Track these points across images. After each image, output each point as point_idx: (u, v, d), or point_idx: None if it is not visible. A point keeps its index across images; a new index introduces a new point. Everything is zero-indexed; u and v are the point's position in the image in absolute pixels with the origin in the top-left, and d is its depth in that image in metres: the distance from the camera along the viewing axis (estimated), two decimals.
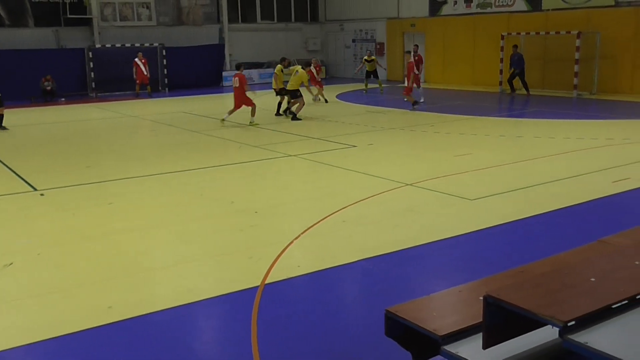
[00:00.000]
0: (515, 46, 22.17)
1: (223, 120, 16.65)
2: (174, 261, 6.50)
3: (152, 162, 11.91)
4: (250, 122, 16.31)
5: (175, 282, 5.94)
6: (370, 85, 24.55)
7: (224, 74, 30.18)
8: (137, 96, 25.21)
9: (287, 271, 6.07)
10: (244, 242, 7.06)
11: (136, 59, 25.30)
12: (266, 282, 5.80)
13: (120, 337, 4.85)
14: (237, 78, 16.63)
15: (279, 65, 18.88)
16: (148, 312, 5.25)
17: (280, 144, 13.47)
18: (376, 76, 23.82)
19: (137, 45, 27.19)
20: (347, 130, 15.21)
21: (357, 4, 31.81)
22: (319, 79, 22.02)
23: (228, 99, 25.71)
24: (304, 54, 33.50)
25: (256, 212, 8.17)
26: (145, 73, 25.39)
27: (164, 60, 28.00)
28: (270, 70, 31.53)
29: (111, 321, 5.08)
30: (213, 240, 7.16)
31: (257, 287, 5.68)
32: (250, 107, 16.46)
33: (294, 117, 17.22)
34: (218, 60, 30.24)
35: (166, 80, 28.15)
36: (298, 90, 17.45)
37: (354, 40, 32.53)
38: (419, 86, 19.80)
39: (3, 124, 16.51)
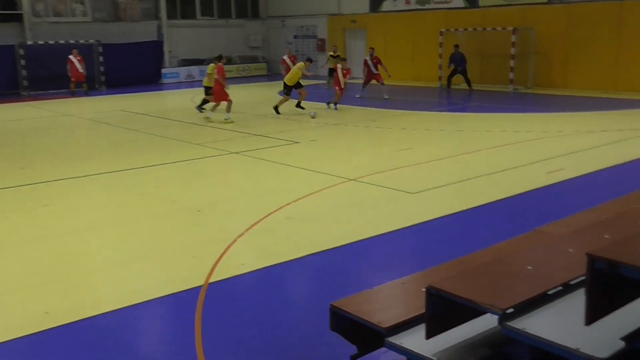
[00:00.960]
0: (457, 45, 22.57)
1: (208, 118, 16.39)
2: (116, 263, 6.36)
3: (90, 162, 11.61)
4: (223, 118, 16.17)
5: (118, 284, 5.81)
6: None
7: (163, 71, 29.70)
8: (72, 94, 24.49)
9: (231, 269, 6.02)
10: (187, 241, 6.96)
11: (71, 56, 24.53)
12: (210, 281, 5.74)
13: (59, 343, 4.71)
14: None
15: (211, 65, 18.57)
16: (89, 315, 5.11)
17: (223, 141, 13.34)
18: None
19: (72, 41, 26.40)
20: (290, 126, 15.20)
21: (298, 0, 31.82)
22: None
23: (168, 96, 25.45)
24: (245, 51, 33.29)
25: (199, 211, 8.07)
26: (81, 70, 24.65)
27: (101, 58, 27.32)
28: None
29: (48, 327, 4.92)
30: (155, 241, 7.04)
31: (201, 286, 5.61)
32: (217, 103, 16.24)
33: (276, 109, 17.05)
34: (157, 57, 29.70)
35: (103, 77, 27.47)
36: (291, 88, 17.06)
37: (295, 37, 32.50)
38: (382, 83, 19.97)
39: None
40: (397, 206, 8.15)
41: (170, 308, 5.37)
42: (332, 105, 17.85)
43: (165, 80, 29.48)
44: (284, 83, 17.35)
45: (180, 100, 23.26)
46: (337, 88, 17.84)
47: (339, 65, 18.08)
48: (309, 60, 17.96)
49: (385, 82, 19.90)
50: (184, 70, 30.39)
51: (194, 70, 30.54)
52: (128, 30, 29.13)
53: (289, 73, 17.51)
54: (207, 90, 17.97)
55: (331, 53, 23.69)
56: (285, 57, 22.13)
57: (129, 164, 11.15)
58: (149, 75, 29.11)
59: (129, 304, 5.30)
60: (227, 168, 10.91)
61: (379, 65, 20.28)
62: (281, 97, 17.48)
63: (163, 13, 30.23)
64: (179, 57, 31.01)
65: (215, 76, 16.31)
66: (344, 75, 17.76)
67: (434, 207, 7.93)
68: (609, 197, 5.33)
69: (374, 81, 20.14)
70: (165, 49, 30.19)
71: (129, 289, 5.64)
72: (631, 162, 10.24)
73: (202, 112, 17.61)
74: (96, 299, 5.52)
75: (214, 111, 16.47)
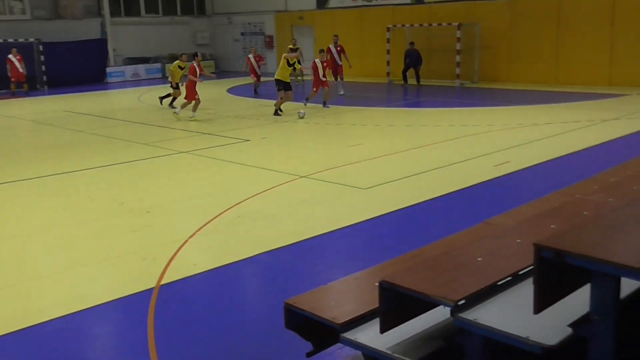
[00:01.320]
0: (412, 43, 22.76)
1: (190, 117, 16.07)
2: (63, 267, 6.20)
3: (34, 164, 11.27)
4: (175, 114, 16.02)
5: (65, 290, 5.66)
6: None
7: (107, 69, 29.08)
8: (13, 95, 23.73)
9: (183, 270, 5.94)
10: (137, 243, 6.84)
11: (10, 56, 23.75)
12: (162, 283, 5.65)
13: (2, 354, 4.56)
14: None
15: (176, 62, 18.35)
16: (35, 323, 4.96)
17: (171, 140, 13.16)
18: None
19: (11, 40, 25.56)
20: (240, 124, 15.09)
21: None
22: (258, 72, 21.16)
23: (114, 96, 24.94)
24: (192, 48, 32.80)
25: (148, 212, 7.94)
26: (21, 70, 23.91)
27: (42, 57, 26.54)
28: (157, 65, 30.78)
29: None
30: (104, 243, 6.88)
31: (152, 288, 5.52)
32: (187, 101, 16.01)
33: (276, 112, 16.16)
34: (101, 55, 29.04)
35: (45, 77, 26.71)
36: (283, 82, 16.08)
37: (242, 34, 32.28)
38: (342, 78, 19.75)
39: None
40: (348, 202, 8.19)
41: (121, 312, 5.27)
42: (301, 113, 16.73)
43: (110, 80, 28.87)
44: (275, 81, 16.28)
45: (126, 100, 22.84)
46: (320, 87, 16.75)
47: (317, 60, 16.93)
48: (294, 50, 17.08)
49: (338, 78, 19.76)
50: (129, 69, 29.83)
51: (140, 68, 30.03)
52: (70, 28, 28.37)
53: (278, 68, 16.45)
54: (171, 84, 18.07)
55: (291, 46, 23.12)
56: (251, 56, 21.71)
57: (75, 166, 10.88)
58: (93, 74, 28.44)
59: (78, 309, 5.17)
60: (177, 168, 10.76)
61: (342, 55, 19.98)
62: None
63: (106, 10, 29.56)
64: (124, 56, 30.41)
65: (188, 74, 16.06)
66: (324, 68, 16.84)
67: (385, 202, 8.00)
68: (554, 187, 5.47)
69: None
70: (110, 47, 29.55)
71: (77, 294, 5.50)
72: (574, 153, 10.54)
73: (172, 108, 17.48)
74: (42, 305, 5.36)
75: (184, 108, 16.21)
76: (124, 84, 28.03)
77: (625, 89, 18.54)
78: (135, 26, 30.80)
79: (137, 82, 28.84)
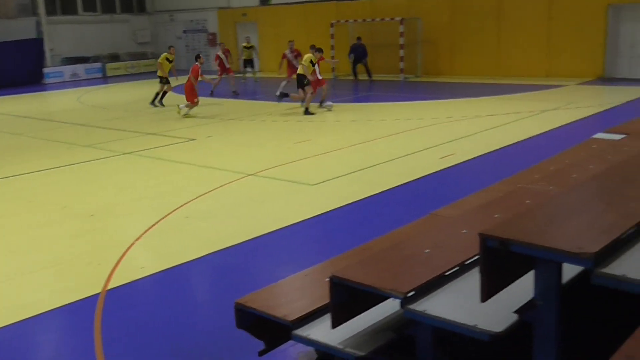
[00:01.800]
0: (359, 38, 22.85)
1: (185, 115, 15.84)
2: (4, 276, 5.99)
3: None
4: (181, 112, 15.86)
5: (7, 298, 5.47)
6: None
7: (45, 70, 28.23)
8: None
9: (130, 274, 5.83)
10: (82, 248, 6.67)
11: None
12: (108, 287, 5.53)
13: None
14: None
15: (163, 54, 18.41)
16: None
17: (114, 141, 12.88)
18: (252, 65, 22.43)
19: None
20: (185, 123, 14.89)
21: None
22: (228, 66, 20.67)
23: (52, 97, 24.22)
24: (133, 47, 32.26)
25: (92, 216, 7.75)
26: None
27: None
28: (97, 65, 30.07)
29: None
30: (47, 249, 6.69)
31: (98, 294, 5.40)
32: (191, 103, 15.83)
33: (306, 112, 15.46)
34: (37, 56, 28.17)
35: None
36: (305, 77, 15.52)
37: (185, 31, 31.84)
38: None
39: None
40: (297, 198, 8.19)
41: (67, 319, 5.13)
42: (327, 104, 16.24)
43: (48, 80, 28.03)
44: (298, 76, 15.68)
45: (66, 101, 22.23)
46: (317, 86, 16.00)
47: (311, 57, 15.93)
48: (319, 50, 16.15)
49: (284, 76, 19.61)
50: (68, 69, 29.04)
51: (79, 68, 29.29)
52: (3, 28, 27.40)
53: (300, 66, 15.86)
54: (161, 79, 18.04)
55: (245, 44, 22.53)
56: (220, 53, 21.26)
57: (14, 171, 10.53)
58: (30, 75, 27.56)
59: (21, 319, 5.01)
60: (121, 169, 10.54)
61: (299, 59, 19.76)
62: (299, 95, 15.95)
63: (41, 9, 28.65)
64: (62, 56, 29.59)
65: (190, 75, 15.88)
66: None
67: (333, 197, 8.03)
68: (498, 178, 5.59)
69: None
70: (46, 47, 28.68)
71: (20, 303, 5.33)
72: (516, 143, 10.80)
73: (156, 107, 17.57)
74: None
75: (191, 109, 15.98)
76: (62, 85, 27.27)
77: (563, 80, 19.13)
78: (72, 25, 29.98)
79: (76, 82, 28.11)
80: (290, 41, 20.39)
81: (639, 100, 15.01)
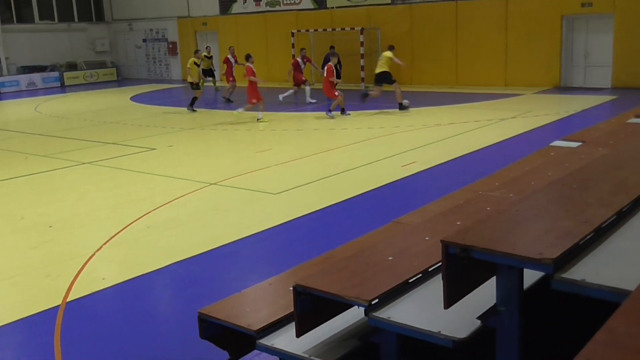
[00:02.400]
0: (332, 47, 22.81)
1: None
2: None
3: None
4: (239, 114, 15.83)
5: None
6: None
7: (0, 79, 27.59)
8: None
9: (91, 285, 5.72)
10: (39, 259, 6.52)
11: None
12: (68, 300, 5.41)
13: None
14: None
15: (191, 59, 18.30)
16: None
17: (72, 151, 12.64)
18: (212, 75, 22.32)
19: None
20: (145, 132, 14.72)
21: (145, 2, 30.83)
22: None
23: (8, 107, 23.66)
24: (91, 55, 31.79)
25: (50, 227, 7.59)
26: None
27: None
28: (54, 74, 29.52)
29: None
30: (3, 261, 6.52)
31: (58, 306, 5.28)
32: (254, 103, 15.74)
33: (401, 107, 16.00)
34: None
35: None
36: (390, 74, 15.94)
37: (144, 40, 31.52)
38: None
39: None
40: (259, 208, 8.16)
41: (25, 333, 5.01)
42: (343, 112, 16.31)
43: (3, 90, 27.41)
44: (382, 74, 16.05)
45: (22, 110, 21.76)
46: (335, 94, 16.08)
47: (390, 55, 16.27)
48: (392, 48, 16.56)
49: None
50: (24, 78, 28.45)
51: (36, 77, 28.74)
52: None
53: (382, 62, 16.18)
54: (192, 85, 18.00)
55: (205, 54, 22.07)
56: (230, 57, 21.10)
57: None
58: None
59: None
60: (80, 179, 10.35)
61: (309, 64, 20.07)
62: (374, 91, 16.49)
63: None
64: (18, 64, 28.98)
65: (246, 77, 15.96)
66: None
67: (296, 206, 8.03)
68: (459, 185, 5.66)
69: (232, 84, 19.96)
70: (1, 56, 28.06)
71: None
72: (476, 151, 10.97)
73: (194, 111, 17.67)
74: None
75: (257, 109, 15.90)
76: (19, 94, 26.69)
77: (520, 89, 19.52)
78: (29, 33, 29.41)
79: (33, 91, 27.56)
80: (302, 49, 20.59)
81: (594, 109, 15.42)
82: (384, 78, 16.29)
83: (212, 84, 23.25)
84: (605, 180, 3.40)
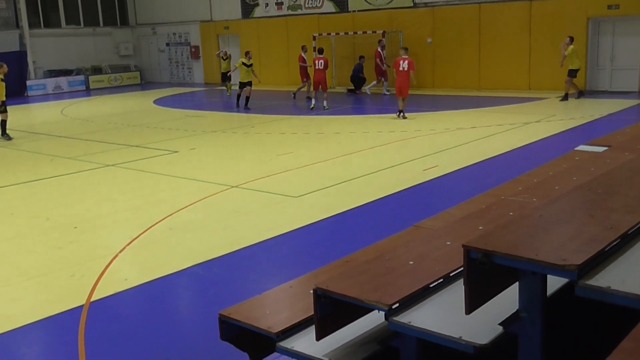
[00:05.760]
0: (362, 57, 22.84)
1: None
2: None
3: None
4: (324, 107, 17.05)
5: None
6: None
7: (28, 83, 28.02)
8: None
9: (114, 286, 5.78)
10: (64, 259, 6.60)
11: None
12: (92, 299, 5.47)
13: None
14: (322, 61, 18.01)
15: (240, 60, 19.31)
16: None
17: (97, 154, 12.79)
18: (228, 78, 22.74)
19: None
20: (168, 135, 14.84)
21: (168, 7, 31.11)
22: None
23: (35, 109, 24.03)
24: (116, 60, 32.16)
25: (75, 228, 7.68)
26: None
27: None
28: (80, 77, 29.92)
29: None
30: (29, 261, 6.61)
31: (82, 306, 5.34)
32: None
33: None
34: (20, 68, 27.95)
35: None
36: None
37: (168, 44, 31.80)
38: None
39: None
40: (280, 211, 8.17)
41: (50, 331, 5.07)
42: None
43: (31, 93, 27.84)
44: None
45: (49, 113, 22.07)
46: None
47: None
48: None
49: (254, 87, 19.62)
50: (51, 82, 28.87)
51: (62, 81, 29.14)
52: None
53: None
54: (241, 85, 18.80)
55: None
56: (304, 55, 21.40)
57: None
58: (13, 88, 27.16)
59: (3, 331, 4.94)
60: (104, 181, 10.47)
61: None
62: None
63: (24, 22, 28.49)
64: (45, 68, 29.41)
65: (302, 64, 18.19)
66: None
67: (317, 209, 8.03)
68: (481, 189, 5.62)
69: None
70: (29, 60, 28.50)
71: (2, 314, 5.26)
72: (499, 155, 10.88)
73: (249, 109, 18.48)
74: None
75: (313, 97, 17.14)
76: (45, 97, 27.08)
77: (544, 93, 19.33)
78: (55, 38, 29.83)
79: (59, 95, 27.94)
80: (380, 40, 21.79)
81: (620, 113, 15.21)
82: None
83: (225, 88, 23.53)
84: (632, 185, 3.35)
